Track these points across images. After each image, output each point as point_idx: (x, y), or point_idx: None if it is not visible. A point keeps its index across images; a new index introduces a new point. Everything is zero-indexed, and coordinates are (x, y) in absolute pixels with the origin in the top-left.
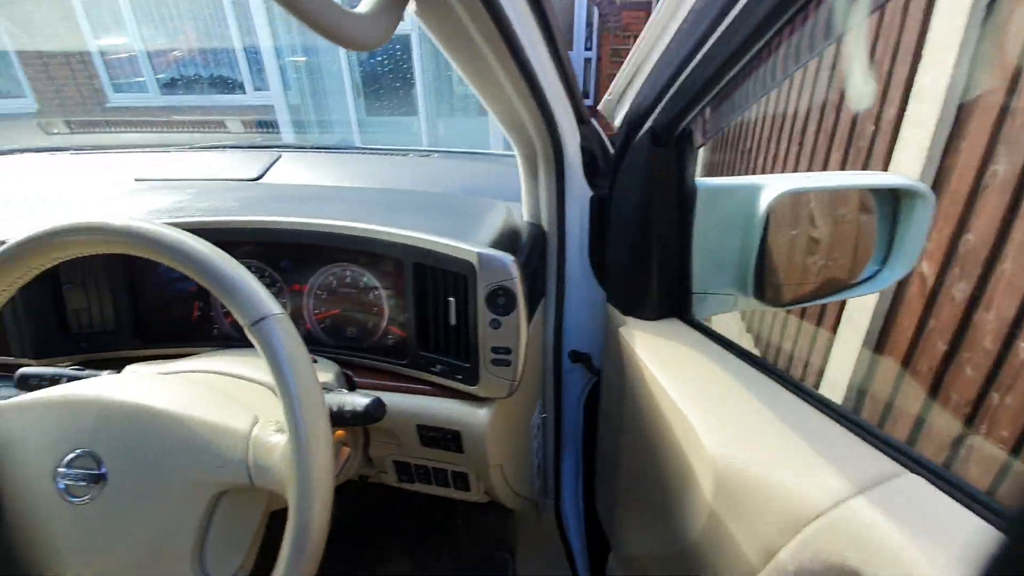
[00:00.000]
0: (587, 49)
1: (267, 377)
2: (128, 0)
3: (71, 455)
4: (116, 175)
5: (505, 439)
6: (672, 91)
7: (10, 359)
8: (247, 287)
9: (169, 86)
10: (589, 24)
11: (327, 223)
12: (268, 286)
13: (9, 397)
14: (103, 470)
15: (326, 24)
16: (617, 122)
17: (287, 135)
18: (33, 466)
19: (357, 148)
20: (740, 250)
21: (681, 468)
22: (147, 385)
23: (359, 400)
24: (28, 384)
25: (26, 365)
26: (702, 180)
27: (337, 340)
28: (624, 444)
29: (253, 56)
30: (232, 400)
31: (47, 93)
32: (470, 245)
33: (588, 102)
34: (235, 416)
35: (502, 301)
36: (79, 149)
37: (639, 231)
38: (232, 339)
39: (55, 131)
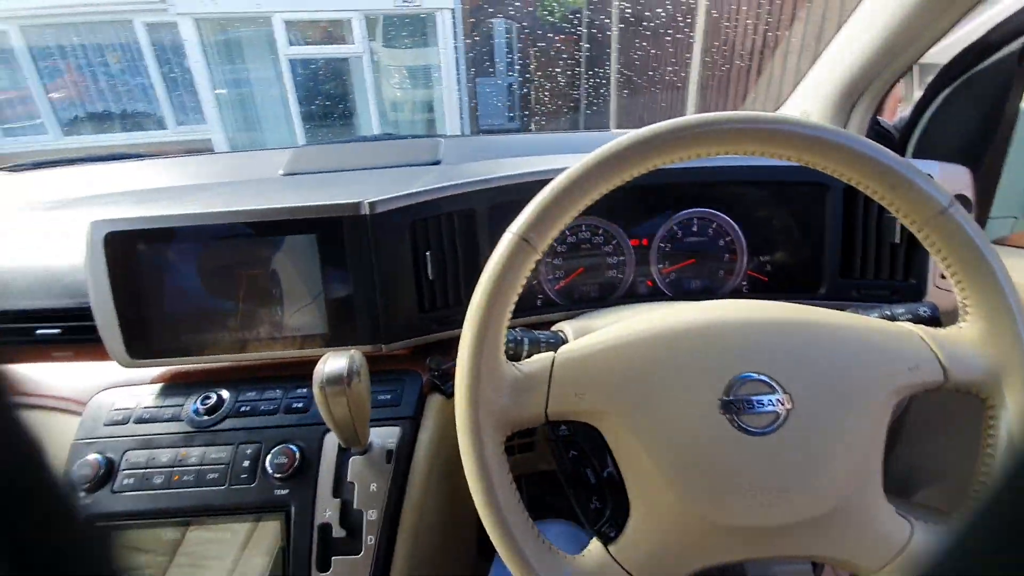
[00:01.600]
0: (509, 75)
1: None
2: (19, 30)
3: (735, 382)
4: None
5: None
6: None
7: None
8: (922, 178)
9: (72, 124)
10: (509, 49)
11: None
12: (601, 245)
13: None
14: (778, 396)
15: None
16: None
17: None
18: (695, 395)
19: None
20: None
21: None
22: (765, 305)
23: None
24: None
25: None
26: None
27: (676, 294)
28: None
29: (173, 87)
30: None
31: None
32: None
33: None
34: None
35: None
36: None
37: None
38: (555, 306)
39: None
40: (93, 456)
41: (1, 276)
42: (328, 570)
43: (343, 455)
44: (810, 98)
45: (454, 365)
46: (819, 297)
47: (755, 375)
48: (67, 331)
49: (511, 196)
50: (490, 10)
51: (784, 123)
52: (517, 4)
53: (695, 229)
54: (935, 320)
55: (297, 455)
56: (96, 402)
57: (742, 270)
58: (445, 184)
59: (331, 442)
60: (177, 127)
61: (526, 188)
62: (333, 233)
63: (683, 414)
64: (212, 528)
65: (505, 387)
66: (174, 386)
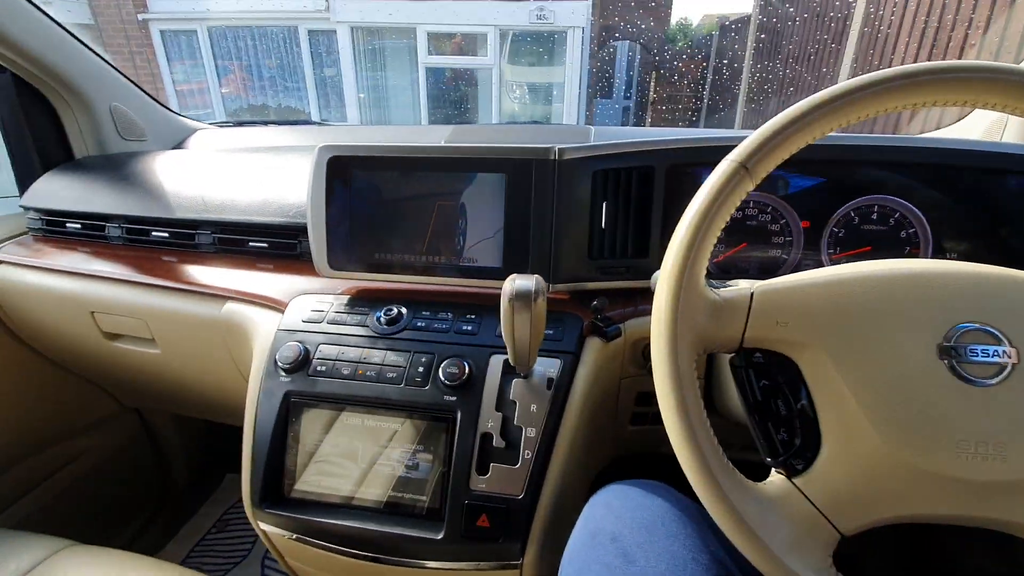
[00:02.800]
0: (626, 98)
1: None
2: (205, 31)
3: (956, 331)
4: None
5: None
6: None
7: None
8: None
9: (234, 115)
10: (630, 71)
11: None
12: (768, 223)
13: None
14: (1005, 348)
15: None
16: None
17: None
18: (910, 336)
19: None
20: None
21: None
22: (989, 266)
23: None
24: None
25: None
26: None
27: None
28: None
29: (321, 89)
30: None
31: None
32: None
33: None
34: None
35: None
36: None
37: None
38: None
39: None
40: (294, 343)
41: (227, 196)
42: (487, 474)
43: (506, 376)
44: None
45: (618, 312)
46: None
47: (979, 325)
48: (273, 246)
49: (691, 159)
50: (616, 34)
51: None
52: (643, 27)
53: (874, 217)
54: None
55: (467, 368)
56: (296, 303)
57: None
58: (629, 140)
59: (496, 363)
60: (321, 124)
61: (707, 152)
62: (522, 174)
63: (896, 354)
64: (389, 419)
65: (705, 307)
66: (359, 299)
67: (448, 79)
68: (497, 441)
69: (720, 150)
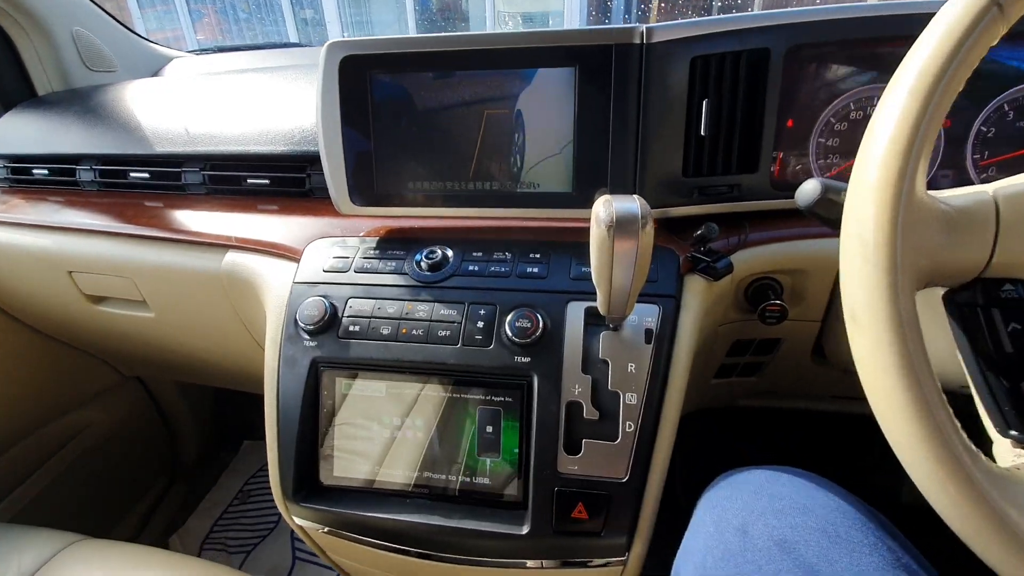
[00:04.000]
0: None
1: None
2: None
3: None
4: None
5: None
6: None
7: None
8: None
9: None
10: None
11: None
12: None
13: None
14: None
15: None
16: None
17: None
18: None
19: None
20: None
21: None
22: None
23: None
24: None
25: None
26: None
27: None
28: None
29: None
30: None
31: None
32: None
33: None
34: None
35: None
36: None
37: None
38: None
39: None
40: (317, 299)
41: (215, 124)
42: (578, 453)
43: (591, 329)
44: None
45: (720, 243)
46: None
47: None
48: (276, 182)
49: (818, 36)
50: None
51: None
52: None
53: None
54: None
55: (540, 321)
56: (313, 249)
57: None
58: (738, 15)
59: (576, 313)
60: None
61: (844, 26)
62: (598, 65)
63: None
64: (445, 388)
65: (934, 223)
66: (392, 241)
67: (436, 12)
68: (588, 411)
69: (862, 24)
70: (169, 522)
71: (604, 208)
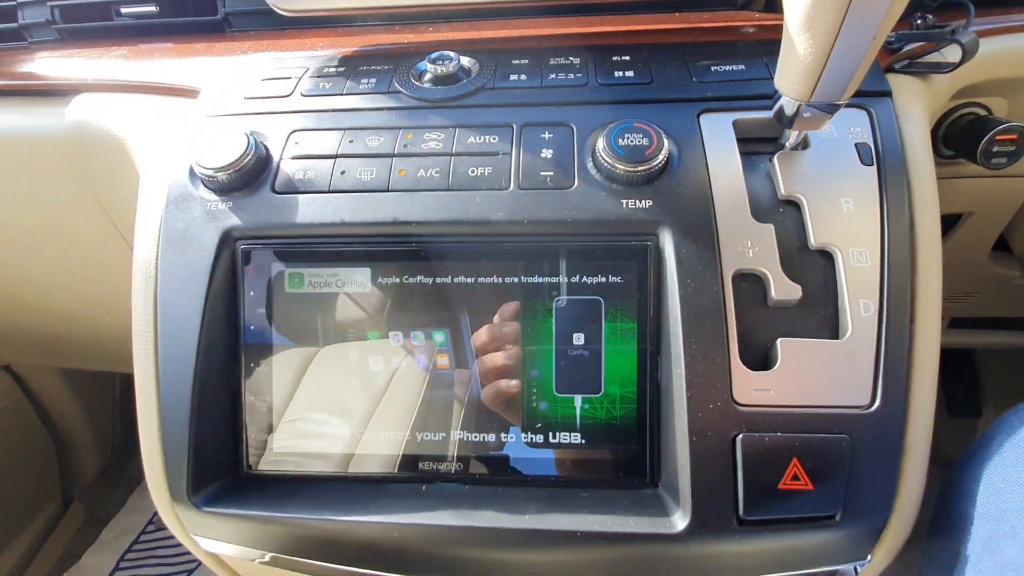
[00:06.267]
0: None
1: None
2: None
3: None
4: None
5: None
6: None
7: None
8: None
9: None
10: None
11: None
12: None
13: None
14: None
15: None
16: None
17: None
18: None
19: None
20: None
21: None
22: None
23: None
24: None
25: None
26: None
27: None
28: None
29: None
30: None
31: None
32: None
33: None
34: None
35: None
36: None
37: None
38: None
39: None
40: (233, 132)
41: None
42: (772, 367)
43: (749, 155)
44: None
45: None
46: None
47: None
48: (167, 9)
49: None
50: None
51: None
52: None
53: None
54: None
55: (660, 140)
56: (226, 78)
57: None
58: None
59: (718, 128)
60: None
61: None
62: None
63: None
64: (491, 269)
65: None
66: (362, 56)
67: None
68: (779, 287)
69: None
70: (64, 554)
71: None
